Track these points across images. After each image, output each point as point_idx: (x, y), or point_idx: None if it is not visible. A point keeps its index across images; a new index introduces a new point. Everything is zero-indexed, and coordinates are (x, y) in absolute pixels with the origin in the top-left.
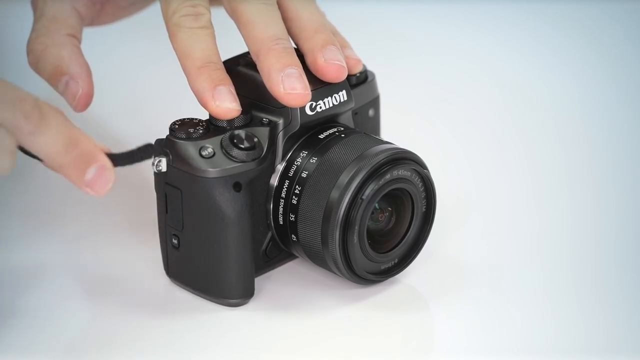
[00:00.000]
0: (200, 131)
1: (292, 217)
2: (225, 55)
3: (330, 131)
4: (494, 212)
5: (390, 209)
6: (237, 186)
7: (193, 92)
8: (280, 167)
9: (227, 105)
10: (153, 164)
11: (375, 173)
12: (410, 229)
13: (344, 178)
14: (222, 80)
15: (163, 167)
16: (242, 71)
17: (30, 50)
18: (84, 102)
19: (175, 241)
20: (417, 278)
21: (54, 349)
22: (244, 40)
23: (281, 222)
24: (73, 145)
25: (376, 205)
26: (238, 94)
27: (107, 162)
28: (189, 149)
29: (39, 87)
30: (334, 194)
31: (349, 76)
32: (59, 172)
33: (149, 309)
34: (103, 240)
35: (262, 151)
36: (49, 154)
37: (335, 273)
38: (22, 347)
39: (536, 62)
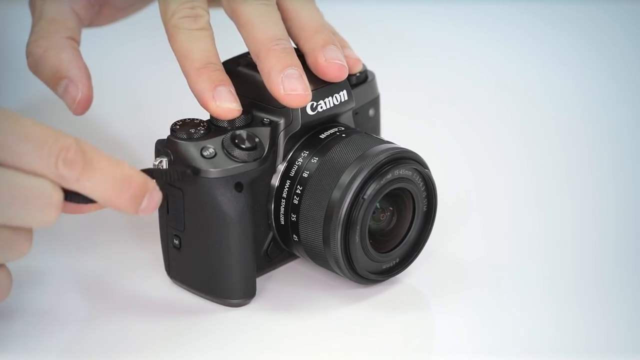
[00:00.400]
0: (202, 131)
1: (294, 217)
2: (225, 55)
3: (331, 131)
4: (494, 212)
5: (391, 208)
6: (238, 186)
7: (193, 93)
8: (281, 167)
9: (228, 105)
10: (154, 164)
11: (376, 173)
12: (412, 229)
13: (345, 178)
14: (222, 81)
15: (164, 167)
16: (242, 71)
17: (29, 53)
18: (84, 106)
19: (176, 241)
20: (418, 278)
21: (54, 349)
22: (244, 40)
23: (282, 222)
24: (127, 185)
25: (377, 205)
26: (238, 94)
27: (154, 185)
28: (190, 149)
29: (39, 89)
30: (336, 193)
31: (349, 76)
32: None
33: (150, 309)
34: (104, 240)
35: (264, 151)
36: (100, 197)
37: (336, 273)
38: (22, 347)
39: (536, 62)
